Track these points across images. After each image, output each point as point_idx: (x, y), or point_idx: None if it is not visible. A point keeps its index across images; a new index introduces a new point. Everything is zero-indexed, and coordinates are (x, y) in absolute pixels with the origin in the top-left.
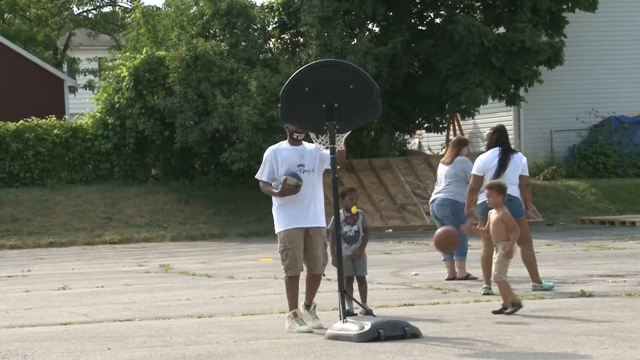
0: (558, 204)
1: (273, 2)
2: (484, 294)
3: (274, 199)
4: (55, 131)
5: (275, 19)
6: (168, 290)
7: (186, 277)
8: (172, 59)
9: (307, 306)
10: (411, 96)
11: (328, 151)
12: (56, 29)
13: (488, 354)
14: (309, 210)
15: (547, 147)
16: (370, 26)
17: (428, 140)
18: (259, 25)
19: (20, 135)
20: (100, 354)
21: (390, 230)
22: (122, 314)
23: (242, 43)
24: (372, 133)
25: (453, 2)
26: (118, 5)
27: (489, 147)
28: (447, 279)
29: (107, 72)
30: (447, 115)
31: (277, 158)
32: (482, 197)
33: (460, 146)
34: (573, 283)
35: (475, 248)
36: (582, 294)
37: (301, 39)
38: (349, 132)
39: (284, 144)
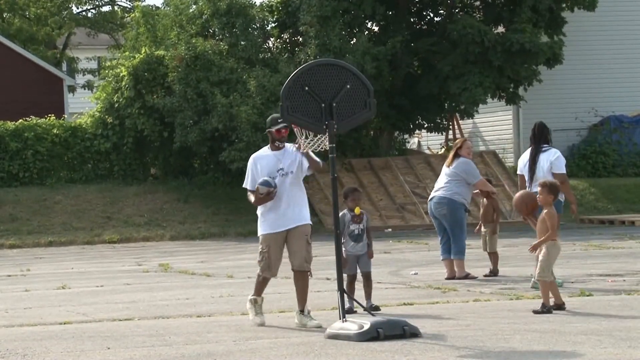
0: (557, 204)
1: (272, 2)
2: (532, 287)
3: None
4: (55, 130)
5: (275, 19)
6: (167, 289)
7: (185, 276)
8: (172, 58)
9: (301, 312)
10: (411, 96)
11: (305, 160)
12: (56, 28)
13: (487, 354)
14: (287, 212)
15: None
16: (369, 25)
17: (427, 140)
18: (258, 25)
19: (19, 134)
20: (99, 353)
21: (390, 229)
22: (122, 313)
23: (242, 42)
24: (372, 132)
25: (452, 2)
26: (117, 4)
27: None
28: (447, 278)
29: (106, 72)
30: (447, 115)
31: (257, 166)
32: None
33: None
34: (572, 282)
35: (474, 247)
36: (582, 294)
37: (300, 39)
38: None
39: (265, 150)
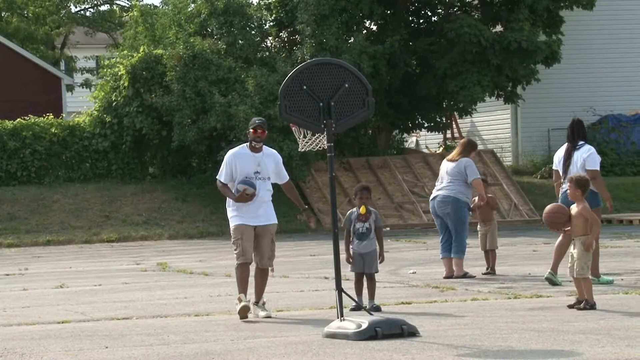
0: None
1: (270, 1)
2: (546, 278)
3: (228, 198)
4: (53, 129)
5: (272, 17)
6: (165, 288)
7: (184, 275)
8: (170, 57)
9: (256, 303)
10: (409, 95)
11: (280, 168)
12: (54, 27)
13: (485, 352)
14: (258, 211)
15: (544, 146)
16: (367, 25)
17: (425, 139)
18: (256, 24)
19: (17, 133)
20: (97, 352)
21: (388, 228)
22: (120, 312)
23: (240, 41)
24: (370, 132)
25: (450, 1)
26: (116, 3)
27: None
28: (445, 277)
29: (104, 70)
30: (445, 114)
31: (236, 163)
32: (564, 187)
33: (470, 150)
34: (571, 281)
35: (473, 247)
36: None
37: (298, 38)
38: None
39: (245, 148)
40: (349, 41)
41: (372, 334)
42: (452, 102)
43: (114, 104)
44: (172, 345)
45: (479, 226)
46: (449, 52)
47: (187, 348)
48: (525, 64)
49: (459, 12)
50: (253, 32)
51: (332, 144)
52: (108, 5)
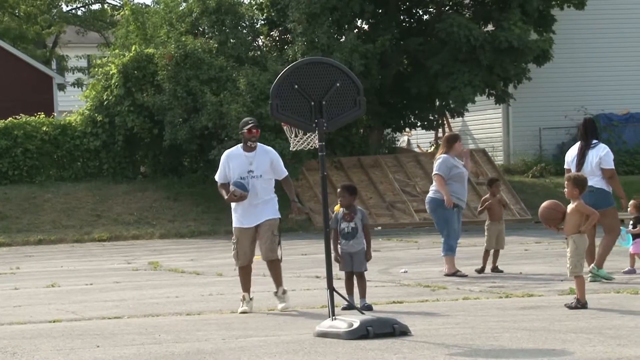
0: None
1: (261, 0)
2: (590, 282)
3: None
4: (44, 128)
5: (264, 16)
6: (157, 287)
7: (175, 274)
8: (161, 56)
9: (275, 292)
10: (401, 94)
11: (277, 164)
12: (46, 26)
13: (477, 352)
14: (256, 210)
15: (535, 145)
16: (359, 24)
17: (417, 138)
18: (247, 23)
19: (8, 132)
20: (89, 351)
21: (379, 227)
22: (111, 312)
23: (231, 40)
24: (362, 131)
25: (442, 0)
26: (107, 2)
27: (579, 140)
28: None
29: (96, 70)
30: (437, 113)
31: (230, 163)
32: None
33: (448, 145)
34: (562, 280)
35: (466, 245)
36: (571, 292)
37: (289, 37)
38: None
39: (239, 149)
40: (341, 40)
41: (363, 333)
42: (443, 102)
43: (105, 103)
44: (163, 345)
45: (487, 224)
46: (440, 52)
47: (179, 347)
48: (517, 63)
49: (450, 11)
50: (244, 31)
51: (323, 143)
52: (99, 4)
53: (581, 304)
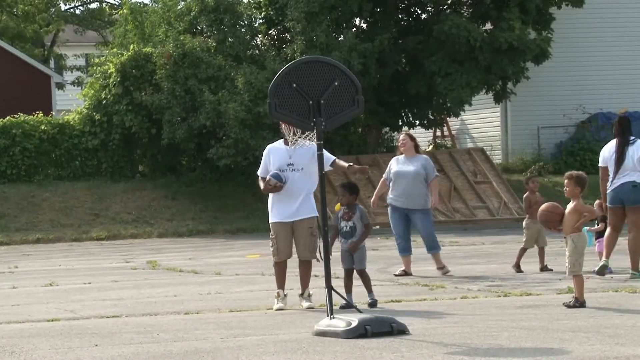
0: (545, 201)
1: None
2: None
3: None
4: (43, 127)
5: (262, 15)
6: (155, 286)
7: (173, 273)
8: (160, 55)
9: (301, 294)
10: (399, 93)
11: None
12: (44, 25)
13: (475, 351)
14: (295, 205)
15: (534, 144)
16: (357, 22)
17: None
18: (246, 22)
19: (7, 131)
20: (87, 350)
21: (378, 226)
22: (109, 311)
23: (230, 39)
24: (360, 130)
25: None
26: (105, 1)
27: (614, 137)
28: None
29: (94, 69)
30: (435, 114)
31: (270, 157)
32: (617, 182)
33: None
34: (560, 279)
35: (464, 244)
36: (569, 290)
37: (287, 35)
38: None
39: (280, 142)
40: (339, 39)
41: (361, 332)
42: (440, 101)
43: (103, 102)
44: (161, 344)
45: (527, 222)
46: (438, 52)
47: (177, 346)
48: (515, 62)
49: (449, 10)
50: (243, 29)
51: (321, 142)
52: (97, 3)
53: (579, 303)
